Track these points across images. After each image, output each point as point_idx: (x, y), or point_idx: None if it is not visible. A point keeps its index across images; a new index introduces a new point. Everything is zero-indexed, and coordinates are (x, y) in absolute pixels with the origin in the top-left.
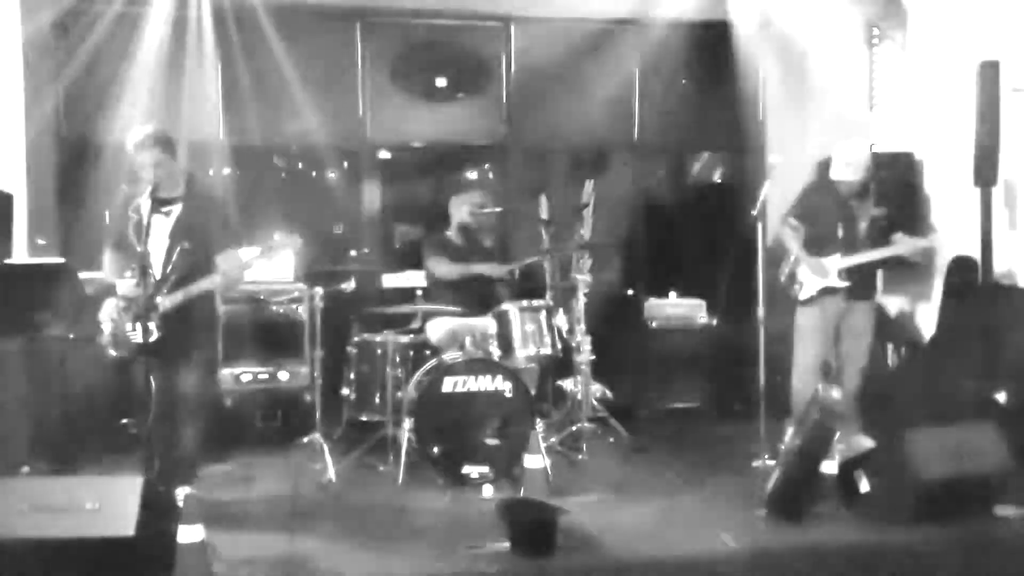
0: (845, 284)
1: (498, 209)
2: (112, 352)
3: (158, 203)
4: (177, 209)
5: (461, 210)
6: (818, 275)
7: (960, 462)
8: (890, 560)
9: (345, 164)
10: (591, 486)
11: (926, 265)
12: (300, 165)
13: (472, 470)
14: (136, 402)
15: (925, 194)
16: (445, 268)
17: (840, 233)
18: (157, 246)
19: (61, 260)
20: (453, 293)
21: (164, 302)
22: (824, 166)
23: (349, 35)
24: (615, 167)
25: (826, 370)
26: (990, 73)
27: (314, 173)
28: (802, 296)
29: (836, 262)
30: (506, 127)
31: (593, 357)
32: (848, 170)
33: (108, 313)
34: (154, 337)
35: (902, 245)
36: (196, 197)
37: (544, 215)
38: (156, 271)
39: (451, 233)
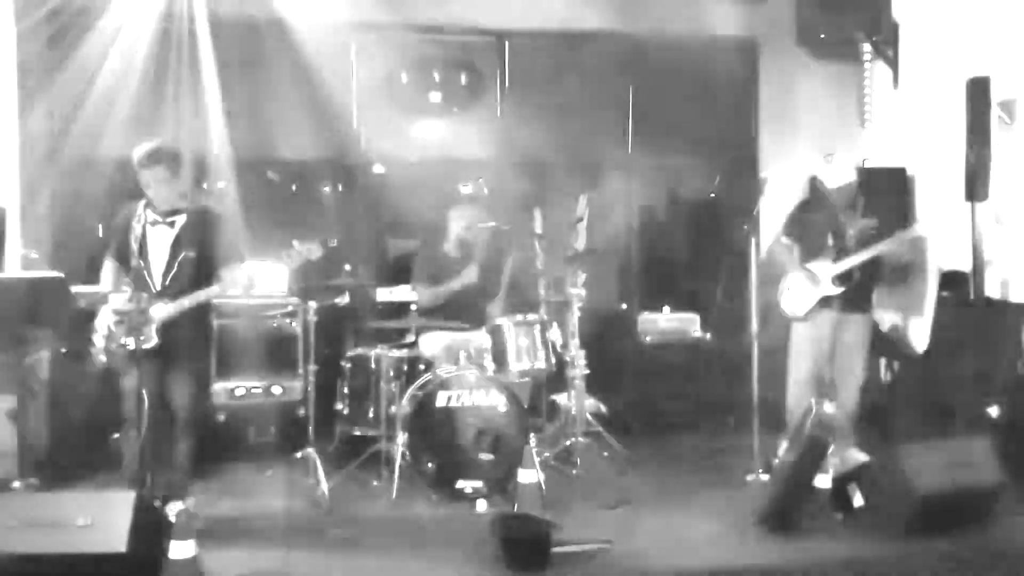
0: (839, 290)
1: (491, 224)
2: (103, 359)
3: (162, 215)
4: (181, 220)
5: (459, 224)
6: (811, 284)
7: (954, 476)
8: (884, 574)
9: (340, 178)
10: (585, 501)
11: (919, 262)
12: (295, 179)
13: (466, 485)
14: (128, 416)
15: (915, 208)
16: (427, 296)
17: (830, 242)
18: (157, 257)
19: (53, 274)
20: (445, 309)
21: (166, 309)
22: (814, 182)
23: (344, 50)
24: (609, 181)
25: (821, 385)
26: (979, 89)
27: (309, 187)
28: (800, 312)
29: (827, 269)
30: (500, 141)
31: (587, 371)
32: (837, 175)
33: (102, 326)
34: (150, 344)
35: (887, 242)
36: (200, 210)
37: (538, 229)
38: (156, 282)
39: (448, 246)
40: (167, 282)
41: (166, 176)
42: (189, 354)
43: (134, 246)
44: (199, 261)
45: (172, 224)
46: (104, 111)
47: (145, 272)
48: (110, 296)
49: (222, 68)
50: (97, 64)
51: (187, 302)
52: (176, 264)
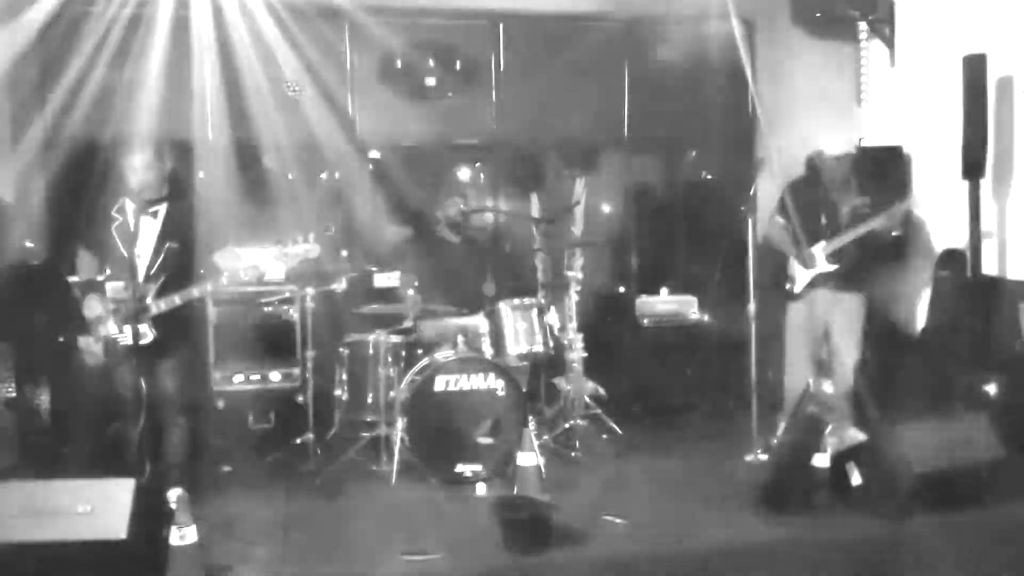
0: (834, 267)
1: (488, 215)
2: (95, 358)
3: (145, 204)
4: (163, 209)
5: (449, 212)
6: (808, 265)
7: (952, 454)
8: (882, 552)
9: (335, 164)
10: (584, 483)
11: (916, 239)
12: (290, 165)
13: (465, 469)
14: (126, 405)
15: (912, 187)
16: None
17: (823, 221)
18: (144, 247)
19: (49, 263)
20: (444, 292)
21: (159, 304)
22: (812, 161)
23: (338, 34)
24: (606, 164)
25: (818, 364)
26: (976, 66)
27: (304, 173)
28: (795, 290)
29: (821, 248)
30: (496, 125)
31: (585, 354)
32: (835, 150)
33: (96, 316)
34: (146, 339)
35: (880, 218)
36: (181, 196)
37: (536, 213)
38: (140, 272)
39: (442, 230)
40: (151, 272)
41: (150, 163)
42: (179, 344)
43: (116, 236)
44: (184, 250)
45: (155, 214)
46: (99, 97)
47: (135, 262)
48: (106, 285)
49: (215, 53)
50: (90, 51)
51: (179, 298)
52: (161, 255)
